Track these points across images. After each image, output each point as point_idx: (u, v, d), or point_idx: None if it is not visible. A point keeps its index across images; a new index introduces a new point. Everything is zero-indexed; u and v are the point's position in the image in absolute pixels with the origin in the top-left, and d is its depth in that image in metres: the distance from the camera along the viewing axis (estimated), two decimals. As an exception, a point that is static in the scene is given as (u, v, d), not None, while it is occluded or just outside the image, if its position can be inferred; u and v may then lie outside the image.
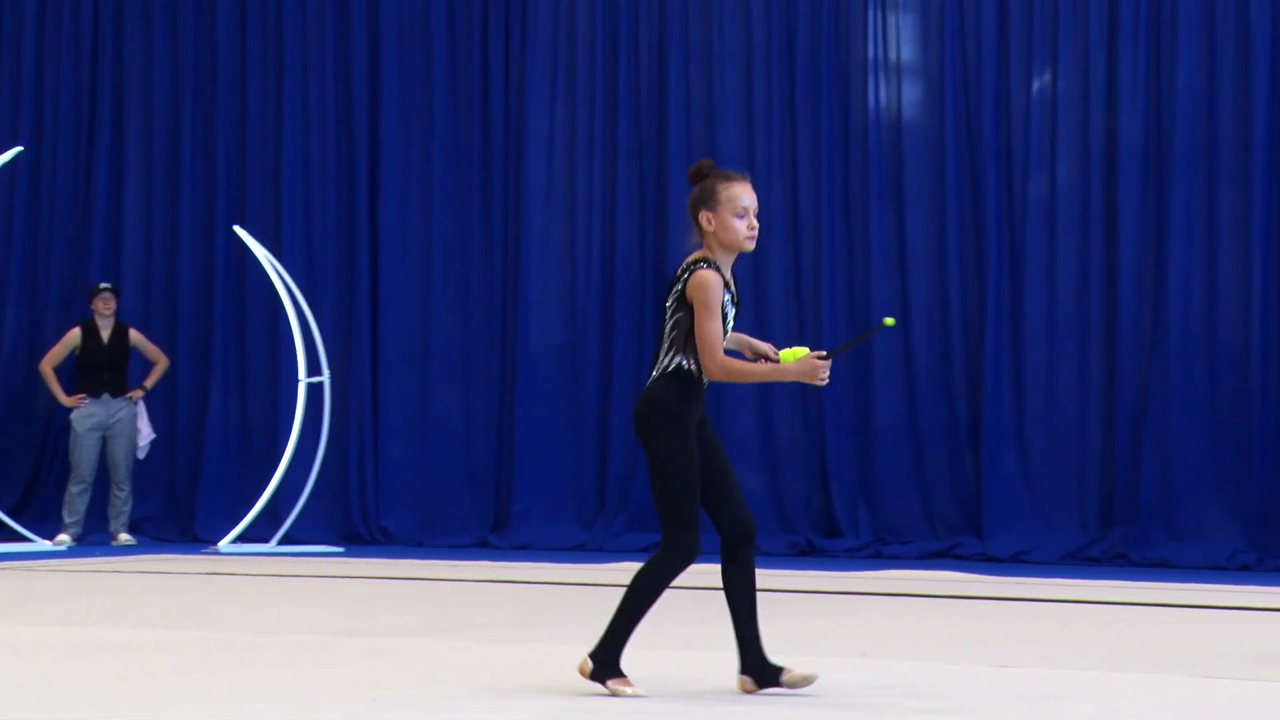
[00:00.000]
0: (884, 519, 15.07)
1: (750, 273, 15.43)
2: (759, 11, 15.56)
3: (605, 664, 7.04)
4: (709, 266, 7.04)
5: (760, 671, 7.03)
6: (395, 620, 10.14)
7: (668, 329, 7.06)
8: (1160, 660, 8.52)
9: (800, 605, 10.98)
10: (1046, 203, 14.89)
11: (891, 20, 15.33)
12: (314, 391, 15.45)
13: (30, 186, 16.83)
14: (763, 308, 15.40)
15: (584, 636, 9.27)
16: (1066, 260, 14.81)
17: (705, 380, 7.07)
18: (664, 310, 7.11)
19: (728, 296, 7.05)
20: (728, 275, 7.09)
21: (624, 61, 15.87)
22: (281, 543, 15.35)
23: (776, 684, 7.00)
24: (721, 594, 7.15)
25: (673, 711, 6.73)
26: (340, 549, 15.42)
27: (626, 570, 13.30)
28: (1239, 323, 14.36)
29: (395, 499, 16.12)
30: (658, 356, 7.11)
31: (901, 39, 15.34)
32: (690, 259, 7.11)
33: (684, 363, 7.05)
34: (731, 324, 7.12)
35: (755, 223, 7.13)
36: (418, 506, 16.08)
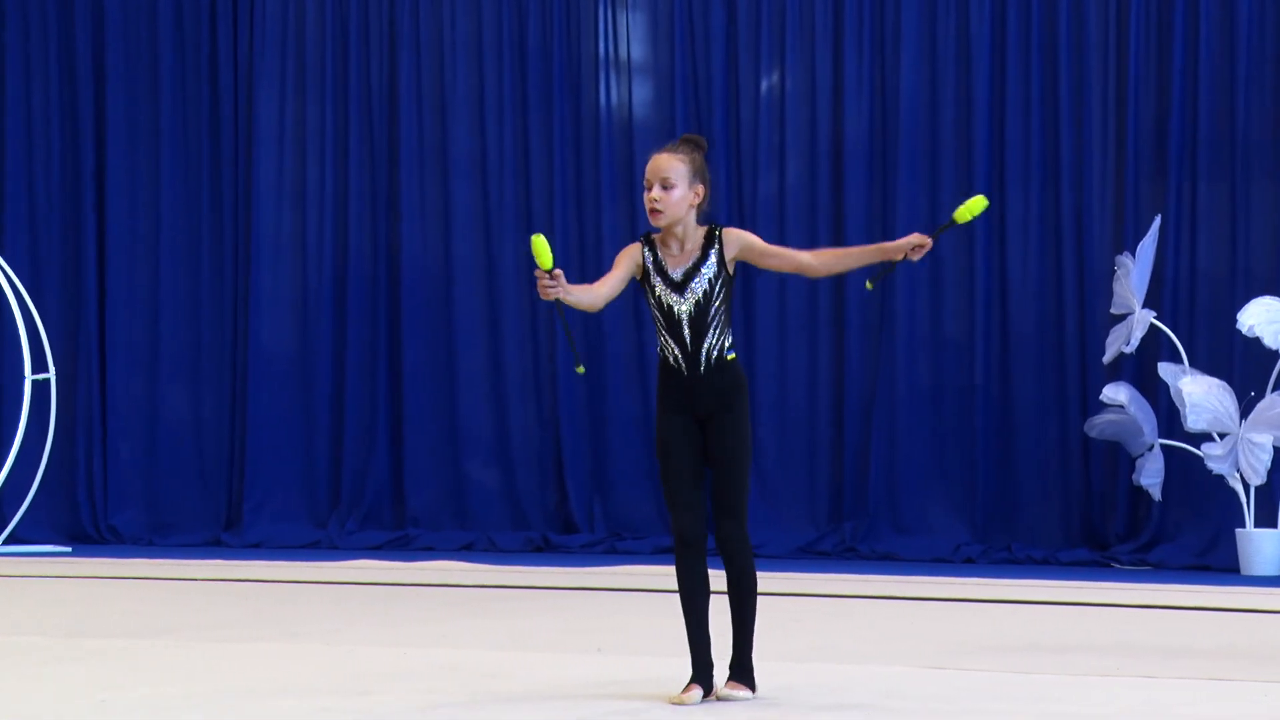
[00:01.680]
0: (618, 515, 15.13)
1: (484, 264, 15.38)
2: (490, 6, 15.54)
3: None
4: (642, 240, 6.97)
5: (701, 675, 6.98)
6: (125, 621, 9.97)
7: None
8: (889, 651, 8.64)
9: (537, 600, 10.99)
10: (776, 199, 15.05)
11: (622, 18, 15.40)
12: (39, 389, 15.15)
13: None
14: (495, 300, 15.38)
15: (317, 635, 9.20)
16: (795, 257, 14.94)
17: (687, 370, 6.90)
18: None
19: (657, 275, 6.90)
20: (669, 249, 6.92)
21: (354, 54, 15.75)
22: (6, 542, 15.05)
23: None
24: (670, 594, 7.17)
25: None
26: (68, 549, 15.13)
27: (360, 567, 13.29)
28: (963, 319, 14.62)
29: (125, 498, 15.87)
30: None
31: (631, 37, 15.41)
32: None
33: (656, 348, 6.98)
34: (669, 300, 6.88)
35: (657, 194, 6.87)
36: (148, 505, 15.84)
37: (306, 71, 15.85)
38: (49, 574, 12.87)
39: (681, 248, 6.94)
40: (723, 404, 6.90)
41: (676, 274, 6.91)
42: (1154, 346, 13.79)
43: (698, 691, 6.92)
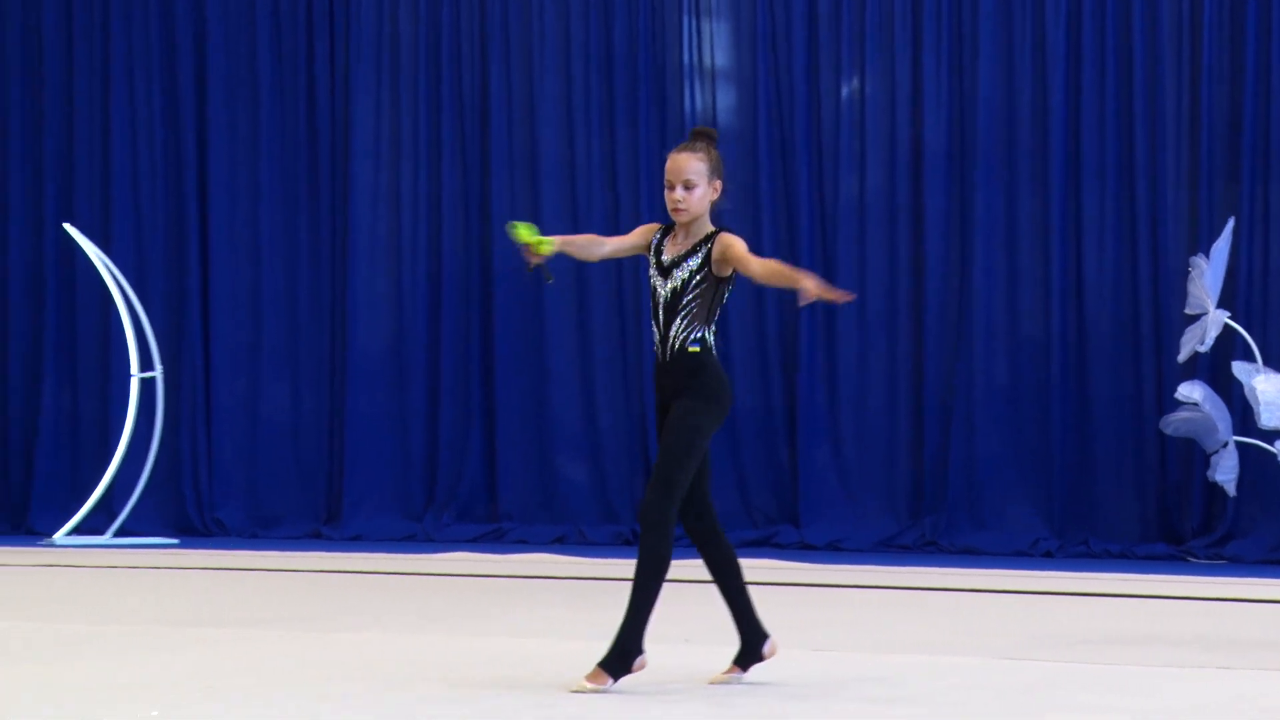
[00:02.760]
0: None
1: (573, 266, 15.44)
2: (578, 16, 15.58)
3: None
4: (661, 226, 7.05)
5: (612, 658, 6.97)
6: (230, 611, 10.06)
7: None
8: (968, 643, 8.64)
9: (622, 594, 11.01)
10: (856, 203, 15.03)
11: (706, 26, 15.41)
12: (146, 386, 15.28)
13: None
14: (584, 300, 15.43)
15: (414, 625, 9.27)
16: (876, 258, 14.96)
17: (660, 357, 6.92)
18: None
19: (654, 257, 7.00)
20: (675, 238, 6.98)
21: (447, 63, 15.83)
22: (116, 535, 15.17)
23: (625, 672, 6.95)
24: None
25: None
26: (175, 541, 15.25)
27: (455, 560, 13.35)
28: (1039, 319, 14.58)
29: (229, 492, 15.98)
30: None
31: (715, 45, 15.42)
32: None
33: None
34: (655, 282, 6.98)
35: (680, 195, 6.93)
36: (251, 499, 15.95)
37: (401, 79, 15.93)
38: (157, 565, 12.98)
39: (685, 237, 7.01)
40: (678, 392, 6.93)
41: (666, 259, 7.00)
42: (1228, 345, 13.71)
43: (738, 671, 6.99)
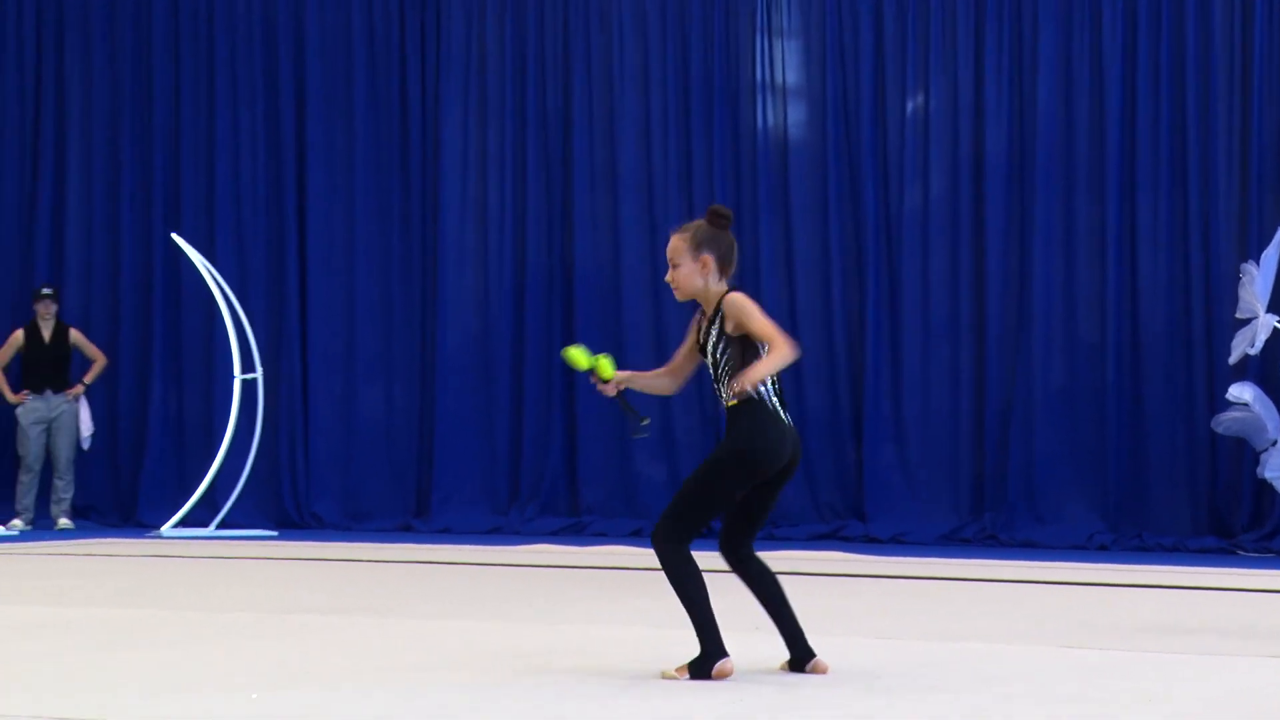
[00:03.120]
0: (777, 505, 15.10)
1: (650, 275, 15.45)
2: (655, 35, 15.60)
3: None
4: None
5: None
6: (326, 599, 10.10)
7: None
8: (1027, 632, 8.60)
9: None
10: (920, 213, 14.99)
11: (777, 45, 15.40)
12: (248, 387, 15.38)
13: (-21, 200, 16.66)
14: (661, 311, 15.44)
15: (500, 614, 9.29)
16: (939, 266, 14.92)
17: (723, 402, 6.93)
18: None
19: (697, 330, 7.02)
20: (704, 311, 6.99)
21: (531, 82, 15.87)
22: (219, 527, 15.27)
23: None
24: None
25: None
26: (274, 533, 15.34)
27: (538, 551, 13.38)
28: (1095, 323, 14.51)
29: (324, 487, 16.06)
30: None
31: (786, 63, 15.40)
32: None
33: None
34: (706, 354, 6.97)
35: (669, 277, 6.99)
36: (345, 494, 16.03)
37: (488, 96, 15.98)
38: (257, 556, 13.04)
39: (706, 310, 7.01)
40: (722, 439, 6.98)
41: (702, 339, 7.01)
42: (1277, 348, 13.61)
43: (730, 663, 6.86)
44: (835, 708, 6.20)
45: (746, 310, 6.87)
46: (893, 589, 11.00)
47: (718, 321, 6.94)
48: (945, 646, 7.96)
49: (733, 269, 7.01)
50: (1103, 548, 14.13)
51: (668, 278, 7.03)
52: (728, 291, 6.96)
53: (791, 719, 5.99)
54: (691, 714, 6.05)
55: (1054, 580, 11.41)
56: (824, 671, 6.96)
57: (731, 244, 7.00)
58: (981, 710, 6.18)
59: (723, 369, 6.91)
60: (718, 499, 6.98)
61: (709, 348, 6.96)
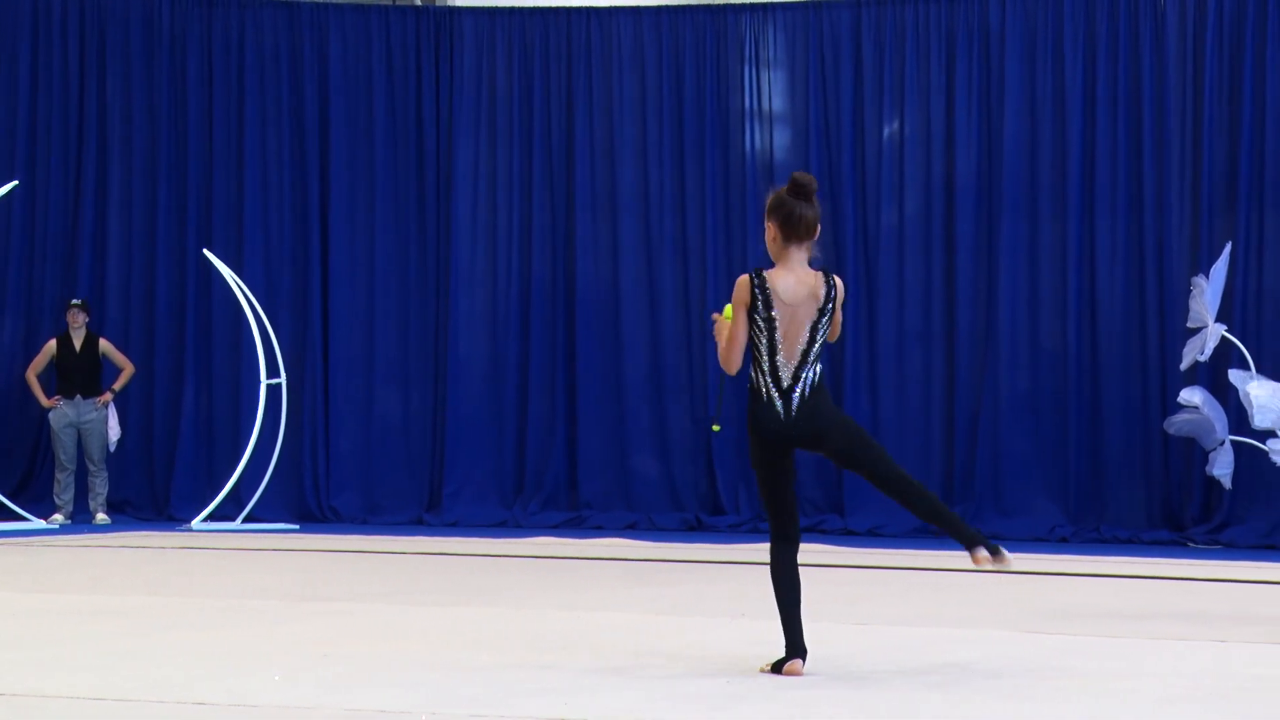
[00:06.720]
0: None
1: (646, 288, 15.45)
2: (651, 67, 15.61)
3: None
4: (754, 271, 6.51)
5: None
6: (344, 587, 10.08)
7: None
8: (993, 618, 8.58)
9: (690, 573, 11.00)
10: (896, 230, 15.00)
11: (764, 76, 15.41)
12: (273, 391, 15.36)
13: (25, 215, 16.58)
14: (657, 324, 15.44)
15: (507, 600, 9.27)
16: (913, 278, 14.92)
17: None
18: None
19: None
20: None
21: (537, 111, 15.87)
22: (245, 521, 15.25)
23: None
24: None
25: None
26: (296, 526, 15.32)
27: (541, 543, 13.37)
28: (1057, 332, 14.52)
29: (343, 483, 16.04)
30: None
31: (773, 92, 15.41)
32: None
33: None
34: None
35: None
36: (363, 489, 16.01)
37: (497, 124, 15.98)
38: (280, 547, 13.02)
39: None
40: None
41: None
42: (1225, 355, 13.61)
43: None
44: (819, 690, 6.18)
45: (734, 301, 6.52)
46: (869, 579, 10.98)
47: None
48: (918, 631, 7.95)
49: (800, 238, 6.43)
50: (1063, 540, 14.12)
51: None
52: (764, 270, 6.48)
53: (790, 695, 5.97)
54: (702, 693, 6.03)
55: (1018, 570, 11.38)
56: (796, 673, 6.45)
57: (795, 213, 6.39)
58: (952, 689, 6.17)
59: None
60: (760, 481, 6.82)
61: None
